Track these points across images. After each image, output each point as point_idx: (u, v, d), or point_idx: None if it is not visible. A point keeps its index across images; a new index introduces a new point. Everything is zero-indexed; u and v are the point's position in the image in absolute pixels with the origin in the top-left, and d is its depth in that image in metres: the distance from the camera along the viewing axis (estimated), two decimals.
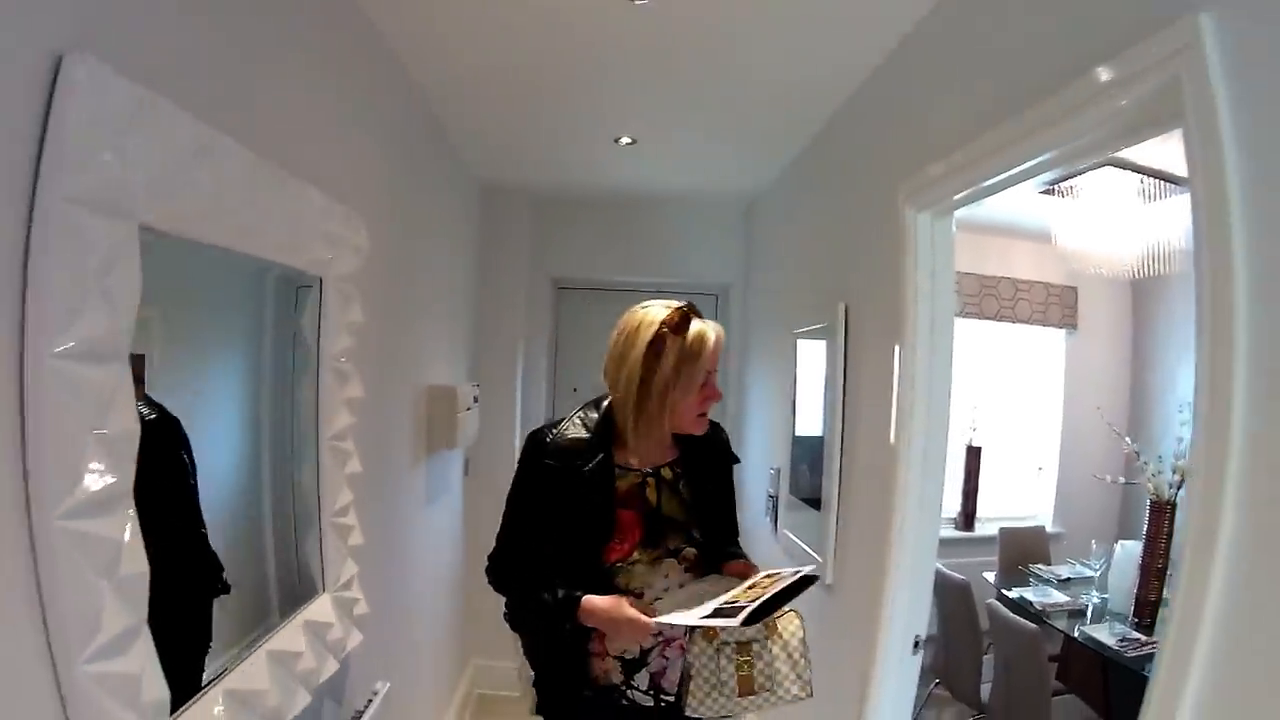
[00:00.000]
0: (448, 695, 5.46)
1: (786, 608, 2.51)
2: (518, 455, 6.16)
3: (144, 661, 1.52)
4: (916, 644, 3.14)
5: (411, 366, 4.19)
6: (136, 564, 1.50)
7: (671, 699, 2.62)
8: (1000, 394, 7.39)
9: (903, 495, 3.10)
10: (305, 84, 2.64)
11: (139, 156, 1.48)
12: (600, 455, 2.64)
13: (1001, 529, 6.54)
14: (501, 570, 2.78)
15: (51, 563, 1.34)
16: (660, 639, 2.61)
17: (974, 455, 7.21)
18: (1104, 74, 1.95)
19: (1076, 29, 2.15)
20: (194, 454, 2.02)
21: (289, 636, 2.37)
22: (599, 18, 3.20)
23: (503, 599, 2.78)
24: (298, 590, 2.64)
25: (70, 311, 1.34)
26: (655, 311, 2.75)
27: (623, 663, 2.64)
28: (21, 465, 1.31)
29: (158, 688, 1.56)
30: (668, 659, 2.64)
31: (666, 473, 2.72)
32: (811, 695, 2.60)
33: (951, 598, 5.22)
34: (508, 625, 2.81)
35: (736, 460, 2.92)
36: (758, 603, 2.28)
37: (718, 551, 2.72)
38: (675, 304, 2.75)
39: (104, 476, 1.42)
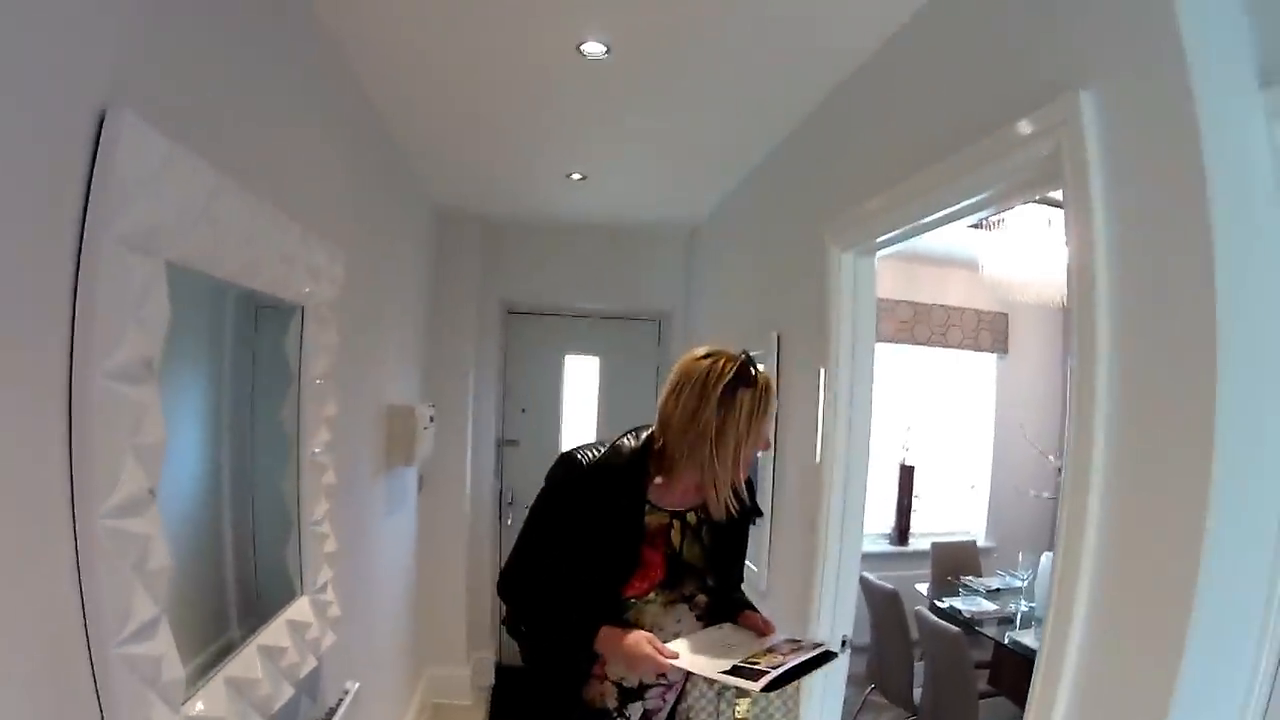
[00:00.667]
0: (406, 701, 5.60)
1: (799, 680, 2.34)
2: (470, 476, 6.32)
3: (165, 646, 1.72)
4: (844, 642, 3.37)
5: (374, 386, 4.35)
6: (161, 559, 1.70)
7: None
8: (933, 416, 7.65)
9: (827, 508, 3.33)
10: (292, 127, 2.83)
11: (167, 201, 1.69)
12: (634, 489, 2.52)
13: (933, 543, 6.79)
14: (515, 585, 2.61)
15: (92, 556, 1.54)
16: (665, 680, 2.56)
17: (907, 474, 7.46)
18: (999, 138, 2.23)
19: (978, 95, 2.43)
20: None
21: (275, 633, 2.54)
22: (553, 66, 3.43)
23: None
24: (263, 598, 2.72)
25: (113, 338, 1.54)
26: (722, 363, 2.46)
27: (620, 690, 2.57)
28: (69, 471, 1.51)
29: (175, 669, 1.74)
30: (665, 702, 2.61)
31: (691, 518, 2.59)
32: None
33: (882, 606, 5.45)
34: (509, 634, 2.69)
35: (760, 514, 2.72)
36: (779, 671, 2.22)
37: (724, 598, 2.64)
38: (732, 353, 2.50)
39: (137, 481, 1.62)
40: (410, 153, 4.84)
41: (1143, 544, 1.78)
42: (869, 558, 6.64)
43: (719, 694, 2.52)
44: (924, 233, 2.85)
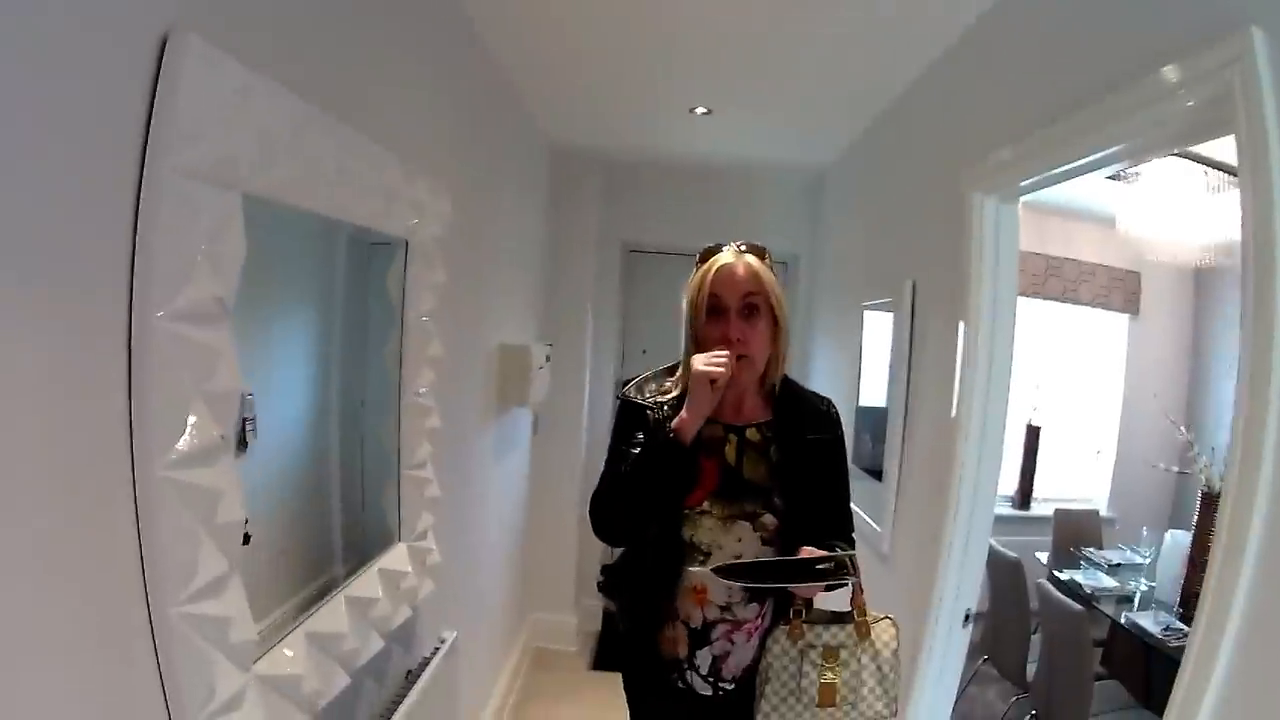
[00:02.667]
0: (507, 647, 5.58)
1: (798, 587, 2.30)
2: (588, 416, 6.25)
3: (235, 605, 1.61)
4: (967, 618, 3.17)
5: (486, 326, 4.27)
6: (233, 513, 1.59)
7: (730, 687, 2.51)
8: (1061, 375, 7.34)
9: (961, 471, 3.12)
10: (391, 58, 2.70)
11: (244, 131, 1.56)
12: (669, 413, 2.45)
13: (1056, 510, 6.53)
14: (598, 499, 2.54)
15: (153, 510, 1.43)
16: (726, 619, 2.46)
17: (1034, 434, 7.20)
18: (1163, 78, 1.98)
19: (1140, 32, 2.18)
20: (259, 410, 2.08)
21: (366, 583, 2.46)
22: None
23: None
24: (366, 540, 2.71)
25: (179, 276, 1.43)
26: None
27: (689, 633, 2.49)
28: (128, 419, 1.40)
29: (246, 629, 1.65)
30: (733, 643, 2.48)
31: (753, 434, 2.51)
32: (895, 715, 2.43)
33: (1003, 575, 5.22)
34: (601, 593, 2.73)
35: (834, 430, 2.59)
36: (742, 561, 2.31)
37: (810, 535, 2.38)
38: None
39: (207, 431, 1.51)
40: (524, 91, 4.71)
41: None
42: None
43: (801, 653, 2.36)
44: (1069, 179, 2.61)
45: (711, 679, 2.51)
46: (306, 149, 1.81)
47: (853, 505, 2.64)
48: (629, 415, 2.54)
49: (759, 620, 2.49)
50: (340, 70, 2.26)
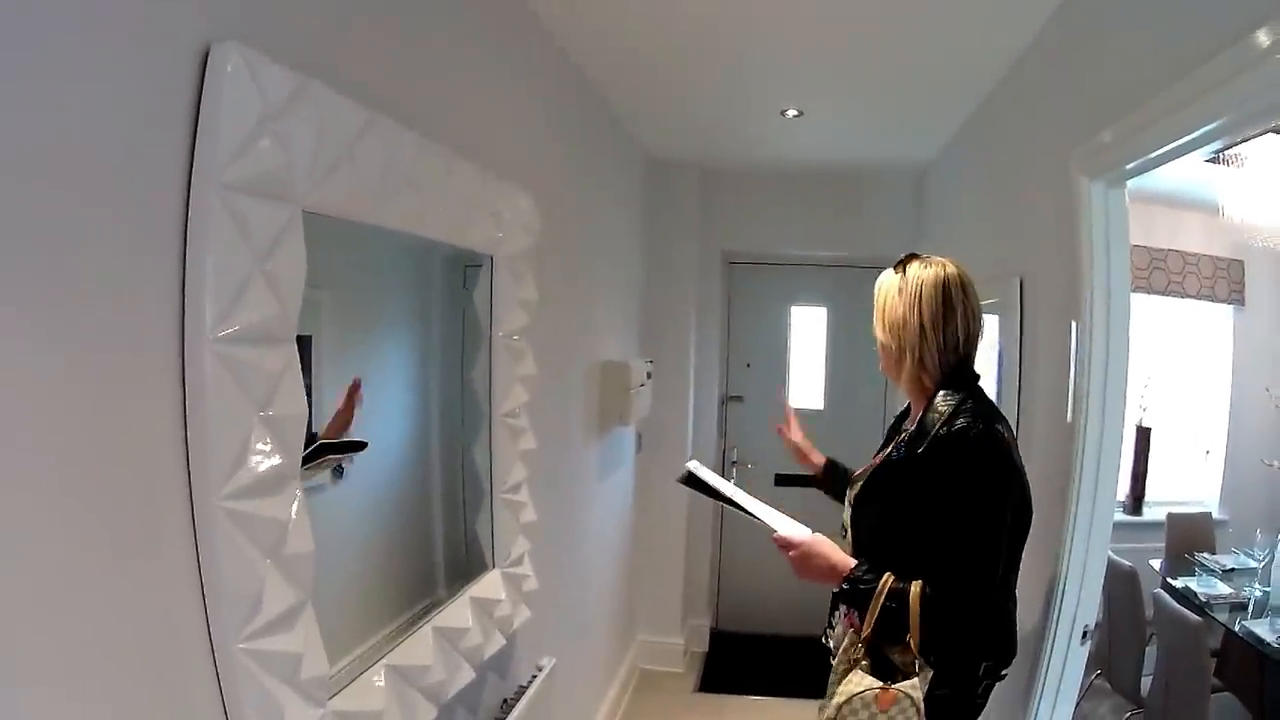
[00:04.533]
0: (612, 670, 5.51)
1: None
2: (692, 432, 6.19)
3: (306, 639, 1.54)
4: (1085, 635, 2.99)
5: (583, 342, 4.22)
6: (303, 543, 1.53)
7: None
8: (1168, 372, 7.03)
9: (1079, 478, 2.96)
10: (466, 64, 2.65)
11: (299, 141, 1.49)
12: (905, 409, 2.70)
13: (1169, 514, 6.25)
14: None
15: (212, 543, 1.37)
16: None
17: (1144, 436, 6.87)
18: (1265, 37, 1.81)
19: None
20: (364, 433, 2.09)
21: (456, 613, 2.39)
22: None
23: None
24: (465, 566, 2.67)
25: (232, 296, 1.36)
26: None
27: (833, 595, 2.55)
28: (184, 448, 1.34)
29: (319, 665, 1.58)
30: (838, 618, 2.57)
31: (903, 435, 2.49)
32: None
33: (1118, 586, 4.98)
34: None
35: (919, 451, 2.29)
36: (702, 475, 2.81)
37: (884, 555, 2.31)
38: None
39: (270, 457, 1.45)
40: (613, 100, 4.68)
41: None
42: None
43: (838, 671, 2.37)
44: (1180, 156, 2.42)
45: (830, 643, 2.59)
46: (370, 157, 1.74)
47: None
48: None
49: (852, 611, 2.42)
50: (410, 76, 2.21)
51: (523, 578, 2.88)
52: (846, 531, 2.54)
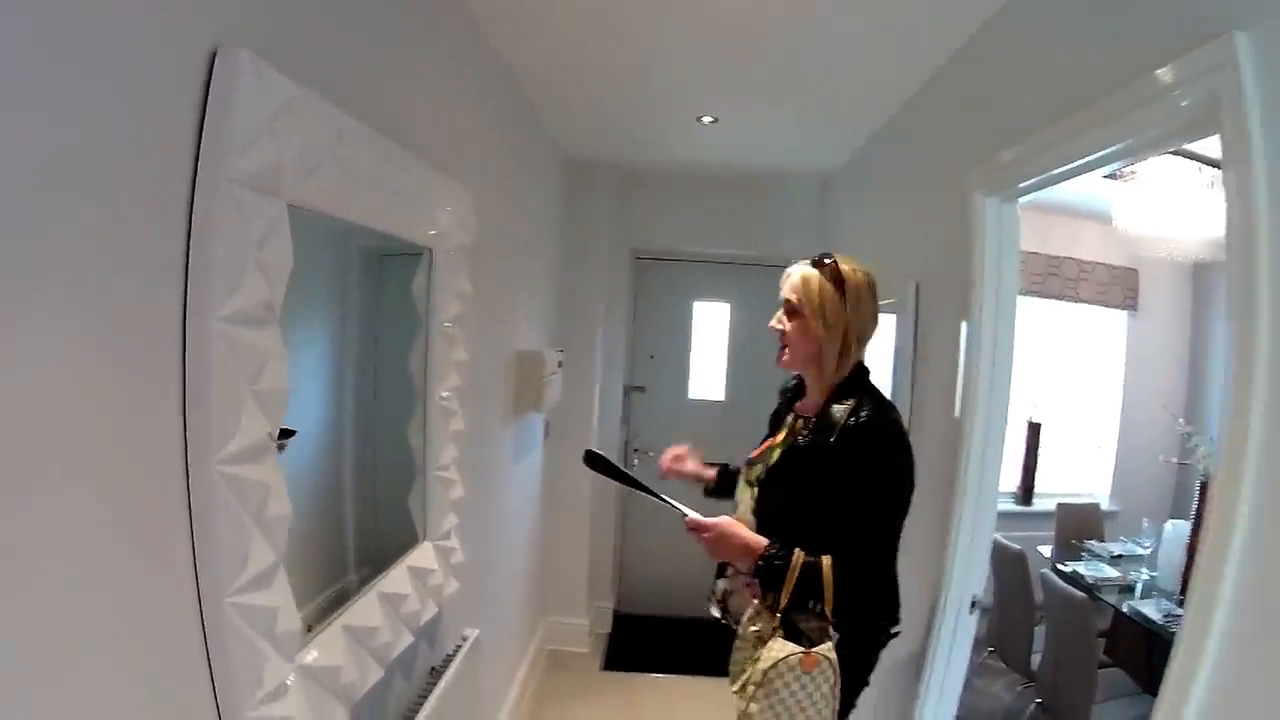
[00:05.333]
0: (523, 648, 5.65)
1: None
2: (598, 420, 6.35)
3: (281, 595, 1.69)
4: (974, 605, 3.26)
5: (504, 332, 4.35)
6: (281, 506, 1.67)
7: (735, 627, 2.75)
8: (1062, 372, 7.48)
9: (965, 466, 3.22)
10: (421, 71, 2.80)
11: (289, 142, 1.63)
12: (789, 398, 2.93)
13: (1059, 504, 6.63)
14: None
15: (207, 504, 1.51)
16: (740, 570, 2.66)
17: (1035, 431, 7.31)
18: (1155, 80, 2.07)
19: (1134, 36, 2.26)
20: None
21: (396, 580, 2.53)
22: (682, 6, 3.34)
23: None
24: (381, 548, 2.73)
25: (232, 281, 1.50)
26: None
27: (718, 565, 2.84)
28: (182, 417, 1.48)
29: (291, 620, 1.72)
30: (738, 588, 2.78)
31: (800, 424, 2.73)
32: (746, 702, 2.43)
33: (1008, 568, 5.32)
34: None
35: (828, 444, 2.48)
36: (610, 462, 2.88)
37: (792, 533, 2.47)
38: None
39: (258, 427, 1.59)
40: (540, 104, 4.83)
41: None
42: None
43: (747, 634, 2.60)
44: (1069, 179, 2.71)
45: (720, 606, 2.84)
46: (346, 159, 1.88)
47: None
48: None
49: (755, 588, 2.60)
50: (375, 82, 2.35)
51: (451, 550, 3.03)
52: (736, 508, 2.79)
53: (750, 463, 2.81)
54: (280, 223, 1.62)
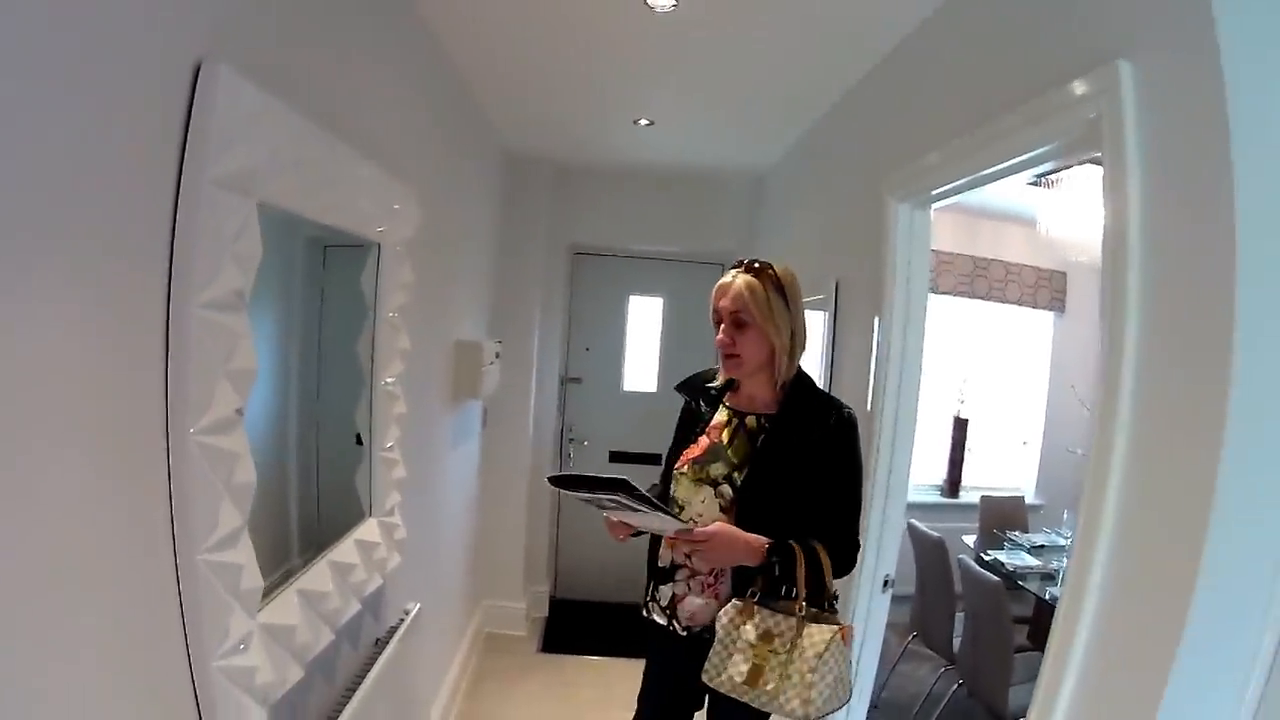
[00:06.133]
0: (462, 630, 5.81)
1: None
2: (533, 410, 6.49)
3: (246, 556, 1.87)
4: (886, 583, 3.52)
5: (445, 323, 4.53)
6: (246, 474, 1.85)
7: (684, 633, 2.82)
8: (989, 370, 7.77)
9: (876, 454, 3.46)
10: (371, 74, 2.97)
11: (260, 146, 1.81)
12: (715, 392, 2.98)
13: (982, 496, 6.87)
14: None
15: (184, 470, 1.68)
16: (688, 566, 2.81)
17: (960, 426, 7.62)
18: (1048, 101, 2.30)
19: (1029, 59, 2.50)
20: None
21: (344, 551, 2.71)
22: (621, 17, 3.52)
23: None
24: (323, 532, 2.84)
25: (210, 271, 1.68)
26: None
27: (656, 570, 2.94)
28: (164, 391, 1.65)
29: (254, 578, 1.90)
30: (689, 589, 2.82)
31: (751, 421, 2.83)
32: (809, 718, 2.53)
33: (928, 554, 5.54)
34: None
35: (817, 433, 2.74)
36: (572, 475, 2.55)
37: (774, 525, 2.66)
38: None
39: (229, 402, 1.77)
40: (483, 101, 4.99)
41: (1160, 500, 1.86)
42: (920, 508, 6.81)
43: (739, 629, 2.61)
44: (975, 188, 2.94)
45: (669, 612, 2.86)
46: (307, 162, 2.07)
47: None
48: (682, 408, 3.11)
49: (713, 578, 2.79)
50: (333, 89, 2.52)
51: (394, 526, 3.20)
52: (681, 509, 2.82)
53: (698, 462, 2.83)
54: (251, 220, 1.80)
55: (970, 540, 6.32)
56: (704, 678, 2.64)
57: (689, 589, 2.83)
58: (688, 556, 2.80)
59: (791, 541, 2.62)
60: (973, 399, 7.62)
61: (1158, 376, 1.90)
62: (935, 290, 7.36)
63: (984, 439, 7.80)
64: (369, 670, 2.95)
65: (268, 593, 2.11)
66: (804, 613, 2.60)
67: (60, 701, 1.42)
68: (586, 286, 7.31)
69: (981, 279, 7.61)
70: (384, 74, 3.14)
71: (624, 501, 2.50)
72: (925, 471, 7.83)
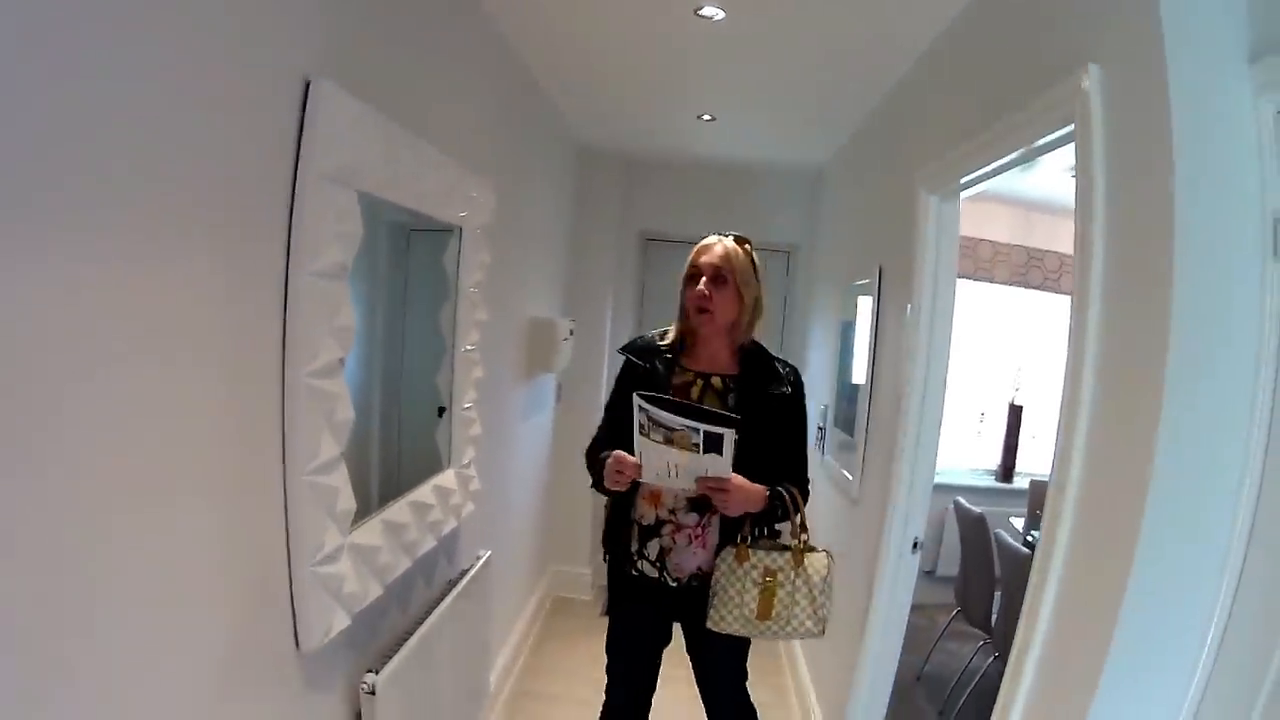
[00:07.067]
0: (531, 587, 6.23)
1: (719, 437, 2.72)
2: (605, 387, 6.80)
3: (341, 481, 2.27)
4: (915, 545, 3.77)
5: (519, 301, 4.92)
6: (345, 412, 2.25)
7: (675, 585, 3.10)
8: (1045, 359, 7.83)
9: (906, 424, 3.72)
10: (451, 78, 3.35)
11: (358, 146, 2.22)
12: (668, 355, 3.15)
13: (1031, 481, 6.95)
14: (591, 446, 3.31)
15: (295, 404, 2.09)
16: (672, 520, 3.07)
17: (1015, 413, 7.76)
18: (1035, 103, 2.57)
19: (1024, 68, 2.77)
20: None
21: (423, 493, 3.10)
22: (675, 27, 3.86)
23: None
24: (401, 485, 3.11)
25: (319, 247, 2.08)
26: None
27: (639, 529, 3.13)
28: (281, 340, 2.06)
29: (348, 501, 2.30)
30: (675, 542, 3.07)
31: (717, 381, 3.09)
32: (823, 634, 3.00)
33: (969, 530, 5.74)
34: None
35: (784, 392, 3.11)
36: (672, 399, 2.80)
37: (754, 471, 2.93)
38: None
39: (331, 352, 2.17)
40: (555, 100, 5.38)
41: (1113, 470, 2.12)
42: (974, 491, 6.95)
43: (745, 573, 2.93)
44: (989, 179, 3.18)
45: (658, 566, 3.11)
46: (396, 158, 2.47)
47: (833, 460, 3.20)
48: (624, 371, 3.27)
49: (699, 529, 3.07)
50: (415, 93, 2.91)
51: (469, 478, 3.60)
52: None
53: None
54: (352, 206, 2.20)
55: (1019, 524, 6.46)
56: (710, 625, 2.97)
57: (674, 542, 3.09)
58: (672, 512, 3.07)
59: (780, 488, 3.00)
60: (1028, 387, 7.76)
61: (1112, 364, 2.19)
62: (991, 280, 7.58)
63: (1042, 426, 7.89)
64: (439, 604, 3.30)
65: (357, 519, 2.46)
66: (804, 545, 2.99)
67: (181, 583, 1.77)
68: (657, 271, 7.54)
69: (1036, 269, 7.72)
70: (461, 78, 3.50)
71: (709, 438, 2.69)
72: (980, 458, 8.05)
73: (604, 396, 6.96)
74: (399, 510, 2.86)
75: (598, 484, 3.14)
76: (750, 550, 2.97)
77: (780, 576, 2.95)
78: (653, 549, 3.12)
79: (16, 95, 1.23)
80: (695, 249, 3.18)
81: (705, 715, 3.30)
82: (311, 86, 2.07)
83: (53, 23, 1.29)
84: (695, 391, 3.11)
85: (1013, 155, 2.85)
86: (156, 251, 1.60)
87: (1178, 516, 1.93)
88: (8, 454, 1.26)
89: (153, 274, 1.59)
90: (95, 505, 1.46)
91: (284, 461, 2.11)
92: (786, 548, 3.01)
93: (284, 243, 2.04)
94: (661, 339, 3.25)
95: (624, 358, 3.28)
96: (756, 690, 3.31)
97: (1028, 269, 7.74)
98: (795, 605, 2.96)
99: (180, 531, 1.74)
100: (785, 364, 3.22)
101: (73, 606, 1.42)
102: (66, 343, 1.37)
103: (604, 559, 3.33)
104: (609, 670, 3.38)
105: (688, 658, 3.30)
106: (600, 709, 3.41)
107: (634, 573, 3.17)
